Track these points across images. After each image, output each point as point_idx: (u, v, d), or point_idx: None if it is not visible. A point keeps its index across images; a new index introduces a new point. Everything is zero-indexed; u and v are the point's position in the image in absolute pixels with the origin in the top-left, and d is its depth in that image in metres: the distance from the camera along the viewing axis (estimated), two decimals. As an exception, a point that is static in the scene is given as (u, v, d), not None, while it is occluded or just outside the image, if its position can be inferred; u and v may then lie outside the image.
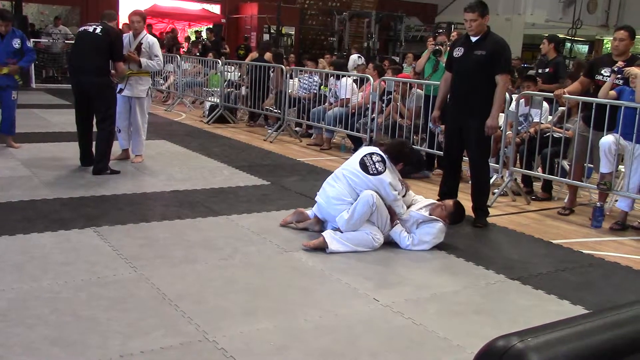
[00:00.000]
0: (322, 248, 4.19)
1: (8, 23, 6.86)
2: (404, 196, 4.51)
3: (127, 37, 6.66)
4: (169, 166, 6.74)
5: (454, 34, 7.65)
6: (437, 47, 7.26)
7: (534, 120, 6.34)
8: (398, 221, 4.40)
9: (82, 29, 6.39)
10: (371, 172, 4.33)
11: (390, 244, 4.39)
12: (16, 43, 6.85)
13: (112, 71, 6.31)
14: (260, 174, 6.55)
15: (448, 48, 6.44)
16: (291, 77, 9.63)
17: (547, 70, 7.29)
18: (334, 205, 4.38)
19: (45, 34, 16.46)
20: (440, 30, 10.59)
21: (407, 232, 4.37)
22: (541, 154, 6.13)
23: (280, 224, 4.71)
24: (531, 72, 7.83)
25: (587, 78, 5.78)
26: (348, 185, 4.39)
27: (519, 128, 6.37)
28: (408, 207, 4.54)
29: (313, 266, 3.95)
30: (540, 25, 20.45)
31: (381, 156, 4.43)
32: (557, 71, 7.28)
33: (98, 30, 6.11)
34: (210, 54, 12.90)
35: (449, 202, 4.57)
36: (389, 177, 4.33)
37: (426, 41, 9.38)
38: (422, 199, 4.72)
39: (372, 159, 4.40)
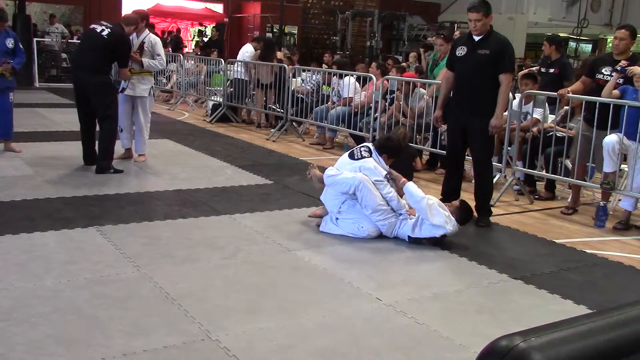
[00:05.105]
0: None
1: (3, 23, 6.70)
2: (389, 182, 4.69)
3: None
4: (172, 165, 6.75)
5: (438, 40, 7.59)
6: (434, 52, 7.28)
7: (533, 117, 6.32)
8: (407, 208, 4.51)
9: (91, 26, 6.30)
10: (356, 157, 4.70)
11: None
12: (9, 43, 6.69)
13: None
14: (263, 173, 6.55)
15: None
16: (294, 77, 9.63)
17: (551, 70, 7.18)
18: (329, 198, 4.70)
19: (42, 32, 16.49)
20: (450, 27, 10.57)
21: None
22: (544, 153, 6.12)
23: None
24: (533, 69, 7.74)
25: (588, 77, 5.77)
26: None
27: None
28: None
29: (316, 265, 3.96)
30: (543, 24, 20.40)
31: (368, 147, 4.81)
32: (563, 72, 7.16)
33: (105, 32, 6.08)
34: (214, 54, 12.86)
35: (455, 202, 4.73)
36: (372, 162, 4.64)
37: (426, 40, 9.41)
38: None
39: (360, 150, 4.79)
